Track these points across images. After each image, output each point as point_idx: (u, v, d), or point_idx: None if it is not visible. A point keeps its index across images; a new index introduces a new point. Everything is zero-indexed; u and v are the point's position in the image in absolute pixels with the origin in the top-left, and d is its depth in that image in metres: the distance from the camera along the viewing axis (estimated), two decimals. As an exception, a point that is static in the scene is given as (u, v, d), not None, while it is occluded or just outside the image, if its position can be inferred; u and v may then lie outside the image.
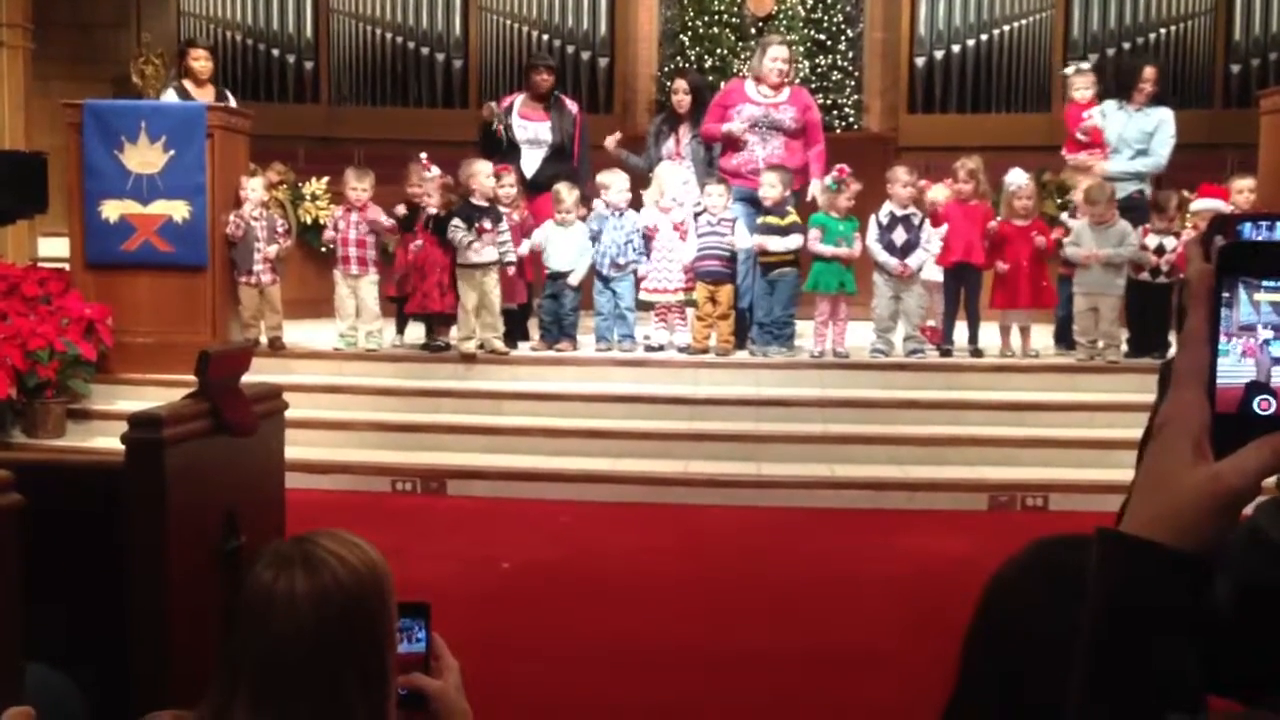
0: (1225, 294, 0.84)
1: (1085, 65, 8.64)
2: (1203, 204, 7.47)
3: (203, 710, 1.53)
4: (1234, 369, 0.83)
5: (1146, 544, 0.82)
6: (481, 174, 7.44)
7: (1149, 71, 7.91)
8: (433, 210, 7.53)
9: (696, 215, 7.60)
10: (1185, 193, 7.88)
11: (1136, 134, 7.80)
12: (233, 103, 8.38)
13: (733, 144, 7.85)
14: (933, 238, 7.49)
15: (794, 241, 7.42)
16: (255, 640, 1.50)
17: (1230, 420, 0.83)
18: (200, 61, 8.36)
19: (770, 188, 7.38)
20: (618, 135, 8.49)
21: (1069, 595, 1.12)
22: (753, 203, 7.63)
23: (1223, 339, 0.84)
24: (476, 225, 7.34)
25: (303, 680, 1.49)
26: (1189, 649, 0.81)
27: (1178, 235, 7.37)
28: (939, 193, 7.70)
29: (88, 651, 2.67)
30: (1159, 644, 0.80)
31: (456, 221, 7.34)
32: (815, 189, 7.72)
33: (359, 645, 1.53)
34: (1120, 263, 7.28)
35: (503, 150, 8.22)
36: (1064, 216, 7.83)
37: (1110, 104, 7.98)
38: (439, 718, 1.66)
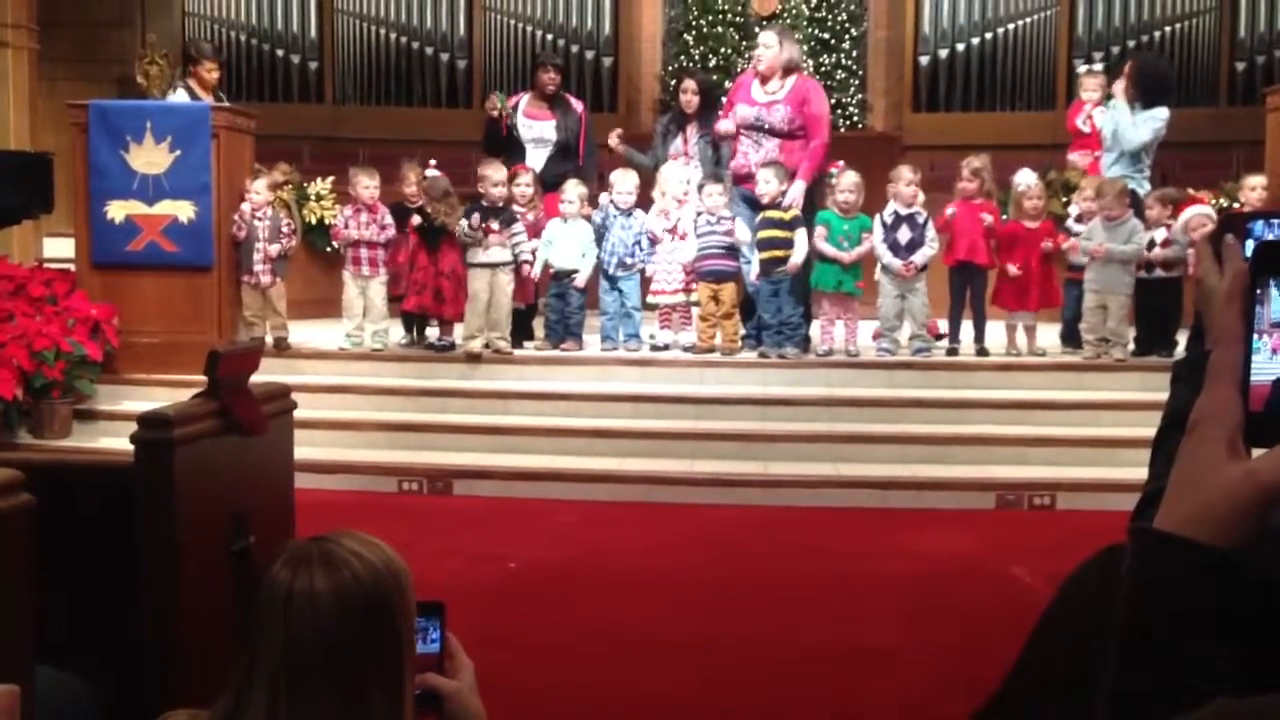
0: (1257, 291, 0.84)
1: (1097, 67, 8.60)
2: (1194, 210, 7.43)
3: (218, 709, 1.52)
4: (1264, 366, 0.83)
5: (1181, 541, 0.82)
6: (489, 179, 7.43)
7: (1127, 67, 7.94)
8: (413, 206, 7.63)
9: (699, 214, 7.57)
10: (1173, 190, 7.83)
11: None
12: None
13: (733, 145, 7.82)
14: (938, 236, 7.48)
15: (801, 243, 7.30)
16: (273, 638, 1.50)
17: (1259, 418, 0.83)
18: (213, 73, 8.35)
19: (765, 184, 7.31)
20: (619, 132, 8.44)
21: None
22: (750, 204, 7.61)
23: (1254, 336, 0.84)
24: (484, 225, 7.35)
25: (322, 679, 1.48)
26: (1222, 646, 0.81)
27: (1168, 227, 7.35)
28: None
29: (97, 651, 2.68)
30: (1193, 640, 0.81)
31: (465, 228, 7.36)
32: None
33: (378, 643, 1.52)
34: (1128, 260, 7.26)
35: (507, 147, 8.23)
36: (1069, 223, 7.79)
37: (1112, 102, 7.95)
38: (454, 718, 1.66)
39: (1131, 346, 7.40)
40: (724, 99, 8.04)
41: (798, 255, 7.32)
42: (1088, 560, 1.23)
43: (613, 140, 8.21)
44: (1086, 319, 7.44)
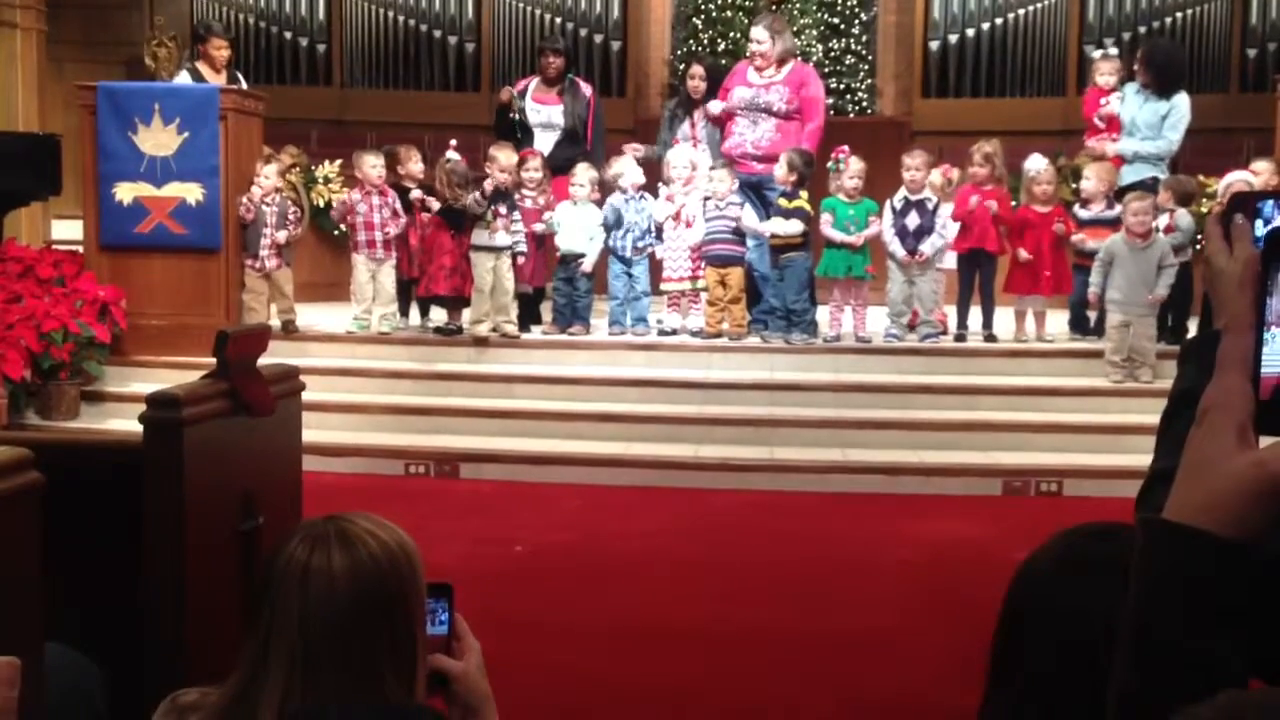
0: (1268, 282, 0.83)
1: (1112, 51, 8.55)
2: (1236, 175, 7.39)
3: (230, 685, 1.52)
4: (1274, 357, 0.83)
5: (1191, 531, 0.81)
6: (498, 162, 7.41)
7: (1139, 55, 7.91)
8: (414, 191, 7.67)
9: (706, 199, 7.56)
10: (1186, 178, 7.80)
11: (1151, 117, 7.72)
12: (244, 85, 8.38)
13: (725, 128, 7.82)
14: (948, 224, 7.44)
15: (794, 226, 7.31)
16: (289, 615, 1.50)
17: (1269, 407, 0.82)
18: (222, 50, 8.36)
19: (780, 168, 7.35)
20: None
21: (1101, 589, 1.12)
22: (748, 187, 7.60)
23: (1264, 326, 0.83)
24: (493, 209, 7.34)
25: (336, 656, 1.49)
26: (1233, 634, 0.80)
27: (1171, 213, 7.29)
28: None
29: (104, 630, 2.68)
30: (1203, 630, 0.80)
31: (477, 197, 7.32)
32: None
33: (392, 621, 1.53)
34: (1160, 299, 7.03)
35: (517, 135, 8.21)
36: (1076, 209, 7.74)
37: (1130, 86, 7.91)
38: (461, 699, 1.66)
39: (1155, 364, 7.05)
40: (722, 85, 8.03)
41: (778, 226, 7.30)
42: (1039, 552, 1.22)
43: (630, 151, 8.13)
44: (1110, 339, 7.12)
